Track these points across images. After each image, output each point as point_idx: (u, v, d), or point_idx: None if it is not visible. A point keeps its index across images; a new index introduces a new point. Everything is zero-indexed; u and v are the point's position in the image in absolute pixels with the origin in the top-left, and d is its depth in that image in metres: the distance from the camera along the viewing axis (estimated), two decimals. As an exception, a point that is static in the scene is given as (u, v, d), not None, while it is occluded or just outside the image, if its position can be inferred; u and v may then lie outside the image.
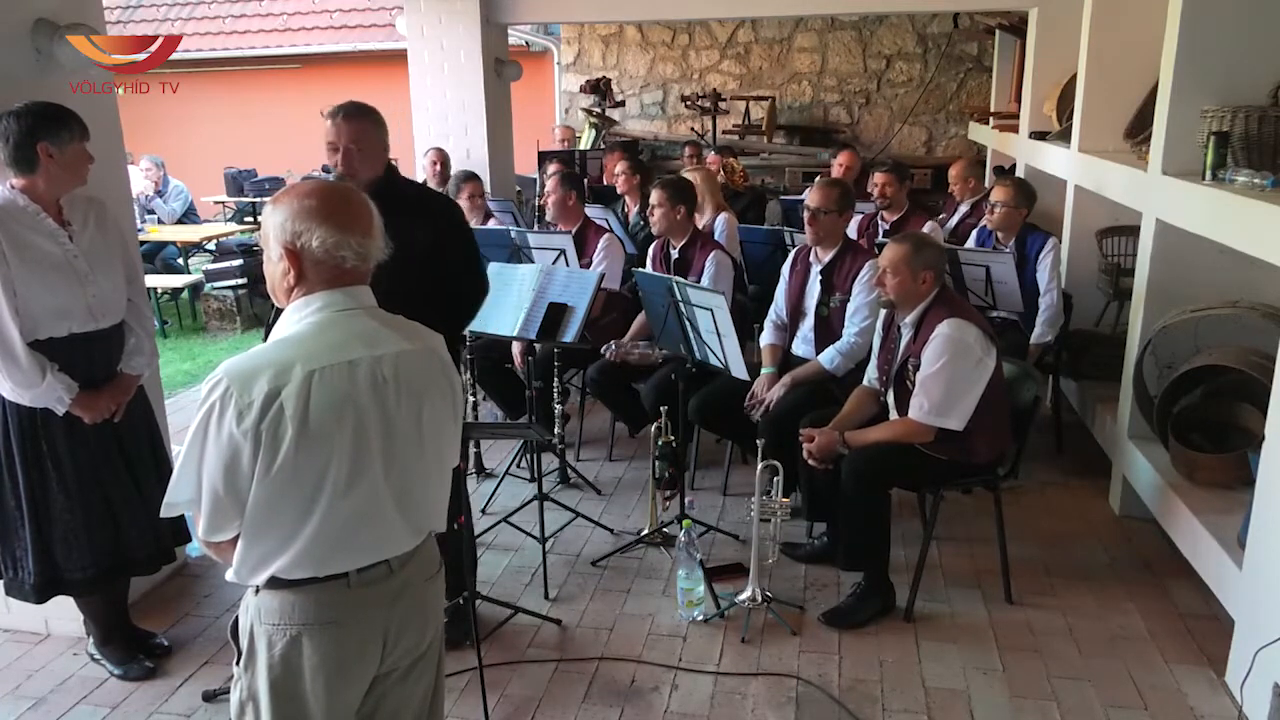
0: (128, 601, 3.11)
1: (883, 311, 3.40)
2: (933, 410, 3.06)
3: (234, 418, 1.56)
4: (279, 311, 1.75)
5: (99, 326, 2.76)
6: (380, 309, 1.77)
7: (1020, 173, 6.16)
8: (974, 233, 4.88)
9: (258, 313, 7.66)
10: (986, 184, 6.53)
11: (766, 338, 4.08)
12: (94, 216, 2.79)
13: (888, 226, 5.10)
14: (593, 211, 5.32)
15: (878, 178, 5.14)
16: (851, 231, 4.49)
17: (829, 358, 3.77)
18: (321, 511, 1.64)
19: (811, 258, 3.94)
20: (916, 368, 3.13)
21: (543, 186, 5.93)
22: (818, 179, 4.05)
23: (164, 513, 1.67)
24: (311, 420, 1.59)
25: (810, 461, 3.25)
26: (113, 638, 3.04)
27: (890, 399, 3.33)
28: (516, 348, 4.40)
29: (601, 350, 4.26)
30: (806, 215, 3.81)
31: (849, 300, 3.79)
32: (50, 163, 2.59)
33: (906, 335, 3.22)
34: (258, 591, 1.71)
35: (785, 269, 4.10)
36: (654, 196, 4.28)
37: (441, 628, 1.94)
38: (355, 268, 1.70)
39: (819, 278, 3.88)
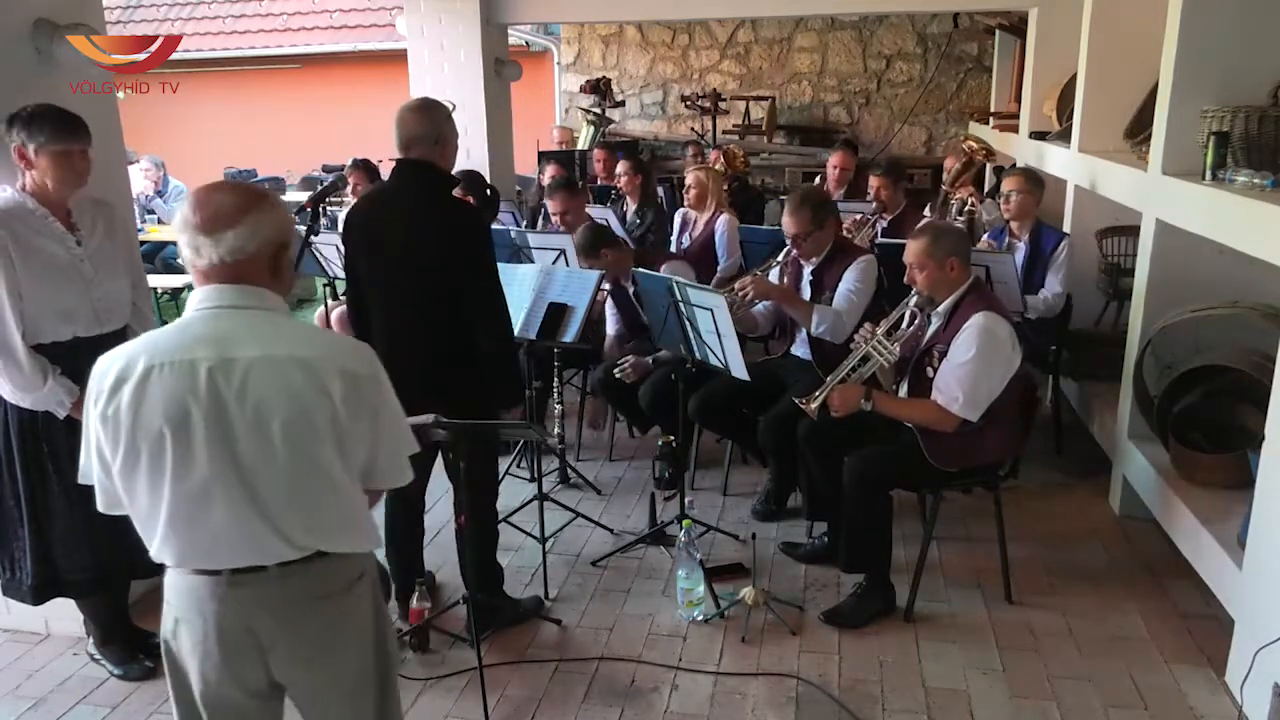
0: (128, 602, 3.11)
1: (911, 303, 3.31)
2: (966, 402, 3.02)
3: (92, 402, 1.64)
4: None
5: (103, 330, 2.76)
6: (269, 313, 1.68)
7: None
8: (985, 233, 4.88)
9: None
10: (987, 185, 6.54)
11: None
12: (103, 220, 2.79)
13: (885, 225, 5.08)
14: (593, 211, 5.32)
15: (873, 181, 5.14)
16: None
17: (816, 319, 3.73)
18: (167, 505, 1.65)
19: (803, 260, 3.93)
20: (942, 355, 3.10)
21: (542, 187, 5.93)
22: (786, 202, 3.95)
23: (80, 479, 1.73)
24: (144, 414, 1.61)
25: (835, 415, 3.16)
26: (113, 638, 3.04)
27: (904, 390, 3.31)
28: None
29: (616, 374, 4.20)
30: (790, 241, 3.80)
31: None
32: (24, 164, 2.58)
33: (936, 323, 3.20)
34: None
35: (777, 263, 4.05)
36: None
37: (375, 660, 1.85)
38: (211, 265, 1.64)
39: (809, 279, 3.89)
